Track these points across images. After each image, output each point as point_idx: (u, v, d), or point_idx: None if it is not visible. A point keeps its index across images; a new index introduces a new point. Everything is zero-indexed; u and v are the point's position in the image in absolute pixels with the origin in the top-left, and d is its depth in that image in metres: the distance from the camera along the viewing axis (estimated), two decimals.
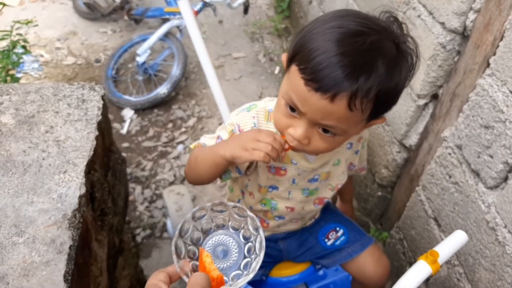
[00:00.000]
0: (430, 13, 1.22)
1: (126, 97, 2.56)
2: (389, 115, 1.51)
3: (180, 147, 2.34)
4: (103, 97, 1.01)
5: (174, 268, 0.64)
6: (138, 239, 1.96)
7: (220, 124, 2.43)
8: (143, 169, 2.25)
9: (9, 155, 0.87)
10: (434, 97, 1.30)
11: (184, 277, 0.63)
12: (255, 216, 0.69)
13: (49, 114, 0.96)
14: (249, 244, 0.70)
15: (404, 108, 1.39)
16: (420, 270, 0.76)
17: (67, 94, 1.01)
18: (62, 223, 0.75)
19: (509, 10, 0.96)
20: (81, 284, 0.79)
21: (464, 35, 1.13)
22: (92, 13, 3.06)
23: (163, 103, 2.55)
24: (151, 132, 2.43)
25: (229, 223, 0.71)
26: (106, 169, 1.05)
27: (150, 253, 1.92)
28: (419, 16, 1.27)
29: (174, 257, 0.63)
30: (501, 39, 0.96)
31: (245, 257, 0.69)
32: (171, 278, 0.64)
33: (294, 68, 0.74)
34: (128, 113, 2.53)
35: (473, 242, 1.09)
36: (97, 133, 0.92)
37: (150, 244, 1.95)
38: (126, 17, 2.96)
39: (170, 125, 2.47)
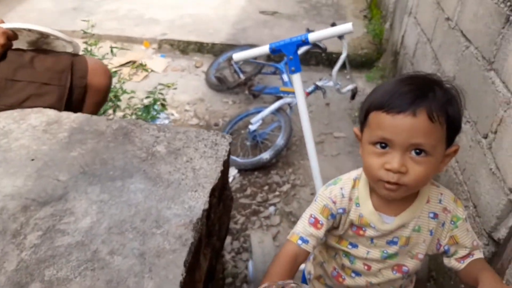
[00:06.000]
0: None
1: (233, 157, 2.88)
2: (481, 206, 1.55)
3: (271, 209, 2.55)
4: (230, 144, 1.30)
5: None
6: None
7: (312, 194, 2.61)
8: (235, 222, 2.49)
9: (158, 173, 1.18)
10: None
11: None
12: None
13: (190, 149, 1.27)
14: None
15: (496, 201, 1.44)
16: None
17: (205, 137, 1.32)
18: (189, 226, 1.00)
19: None
20: (188, 280, 1.00)
21: None
22: (220, 85, 3.55)
23: (264, 167, 2.82)
24: (248, 191, 2.69)
25: None
26: (219, 200, 1.30)
27: None
28: None
29: None
30: None
31: None
32: None
33: (373, 114, 0.91)
34: (232, 171, 2.85)
35: None
36: (222, 168, 1.19)
37: None
38: (247, 92, 3.40)
39: (266, 187, 2.72)
